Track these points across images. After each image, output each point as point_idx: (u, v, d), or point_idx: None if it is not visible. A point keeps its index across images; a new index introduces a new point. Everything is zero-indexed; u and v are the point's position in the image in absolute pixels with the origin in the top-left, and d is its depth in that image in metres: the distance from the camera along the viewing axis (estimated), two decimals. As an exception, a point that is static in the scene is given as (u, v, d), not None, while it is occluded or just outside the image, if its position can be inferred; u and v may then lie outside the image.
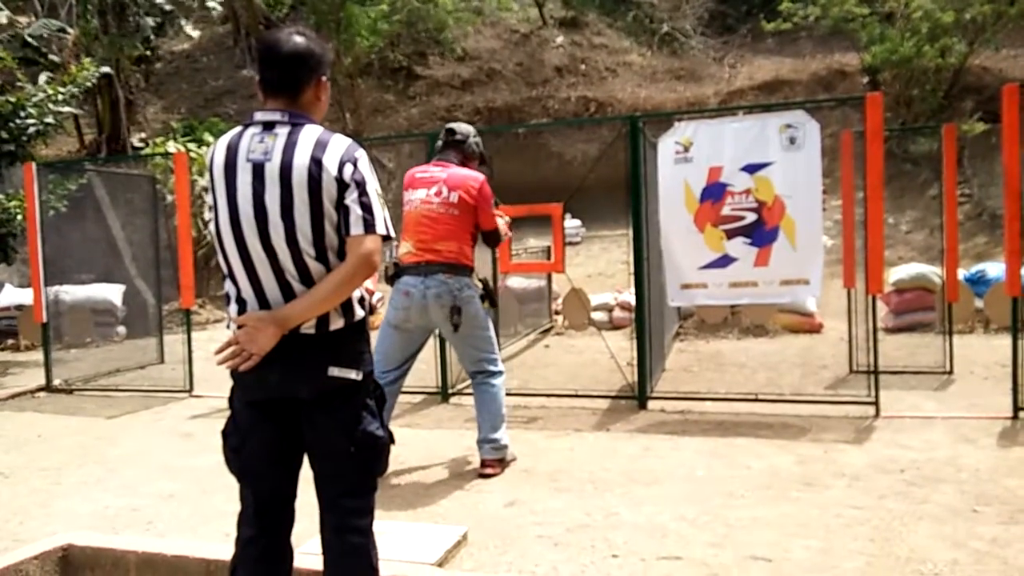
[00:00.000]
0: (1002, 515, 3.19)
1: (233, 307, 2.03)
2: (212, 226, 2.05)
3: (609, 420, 5.01)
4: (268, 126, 1.98)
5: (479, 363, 4.06)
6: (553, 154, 15.82)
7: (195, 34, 15.77)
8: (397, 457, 4.06)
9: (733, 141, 4.94)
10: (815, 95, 14.91)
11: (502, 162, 7.11)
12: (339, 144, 1.97)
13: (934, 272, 7.74)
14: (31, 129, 7.98)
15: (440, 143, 4.18)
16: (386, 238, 1.98)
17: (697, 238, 5.03)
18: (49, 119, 8.15)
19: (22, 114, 7.91)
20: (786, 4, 14.32)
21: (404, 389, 4.27)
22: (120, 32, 13.65)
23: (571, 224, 14.10)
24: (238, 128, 2.04)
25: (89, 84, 8.95)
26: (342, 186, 1.94)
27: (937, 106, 13.44)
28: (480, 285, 4.03)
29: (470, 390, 5.51)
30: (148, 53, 15.00)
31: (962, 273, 7.65)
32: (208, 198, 2.05)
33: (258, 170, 1.95)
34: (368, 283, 2.12)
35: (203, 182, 10.57)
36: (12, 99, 7.93)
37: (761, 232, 4.89)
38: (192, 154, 10.87)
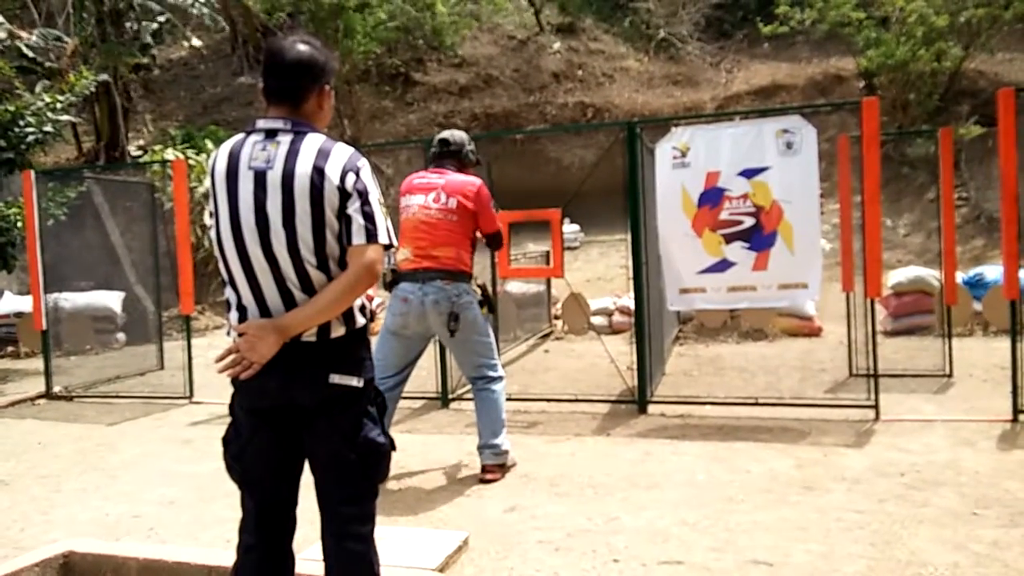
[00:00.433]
0: (1002, 518, 3.19)
1: (234, 314, 2.03)
2: (213, 233, 2.05)
3: (609, 425, 5.02)
4: (270, 134, 1.99)
5: (479, 369, 4.06)
6: (551, 160, 15.86)
7: (197, 43, 15.78)
8: (397, 462, 4.07)
9: (730, 146, 4.95)
10: (812, 100, 14.96)
11: (500, 168, 7.11)
12: (341, 153, 1.97)
13: (932, 275, 7.76)
14: (30, 137, 8.00)
15: (434, 151, 4.16)
16: (388, 247, 1.98)
17: (695, 243, 5.04)
18: (48, 127, 8.17)
19: (21, 122, 7.93)
20: (783, 8, 14.37)
21: (404, 394, 4.27)
22: (118, 40, 13.68)
23: (570, 229, 14.12)
24: (240, 135, 2.04)
25: (87, 92, 8.96)
26: (344, 195, 1.94)
27: (933, 110, 13.49)
28: (479, 291, 4.03)
29: (470, 395, 5.51)
30: (146, 61, 15.03)
31: (960, 276, 7.66)
32: (209, 204, 2.05)
33: (260, 178, 1.95)
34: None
35: (202, 189, 10.58)
36: (11, 108, 7.94)
37: (759, 236, 4.91)
38: (190, 161, 10.88)
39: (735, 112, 12.16)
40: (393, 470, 2.10)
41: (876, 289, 4.80)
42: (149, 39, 14.08)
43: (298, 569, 2.16)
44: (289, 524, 2.12)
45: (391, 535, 3.05)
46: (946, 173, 5.94)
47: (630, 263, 5.42)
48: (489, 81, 17.67)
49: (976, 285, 7.97)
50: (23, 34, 11.94)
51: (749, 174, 4.91)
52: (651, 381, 5.51)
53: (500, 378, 4.11)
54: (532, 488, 3.84)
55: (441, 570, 2.87)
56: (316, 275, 1.96)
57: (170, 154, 11.43)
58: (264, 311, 1.98)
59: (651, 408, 5.30)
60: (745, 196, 4.92)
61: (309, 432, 2.03)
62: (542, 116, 16.61)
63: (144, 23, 14.02)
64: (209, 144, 12.80)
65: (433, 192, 3.97)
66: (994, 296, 7.37)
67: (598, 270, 13.31)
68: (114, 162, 13.62)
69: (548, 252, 8.34)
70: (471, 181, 4.03)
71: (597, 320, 8.90)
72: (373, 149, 12.05)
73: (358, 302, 2.03)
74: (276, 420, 2.03)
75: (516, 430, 4.79)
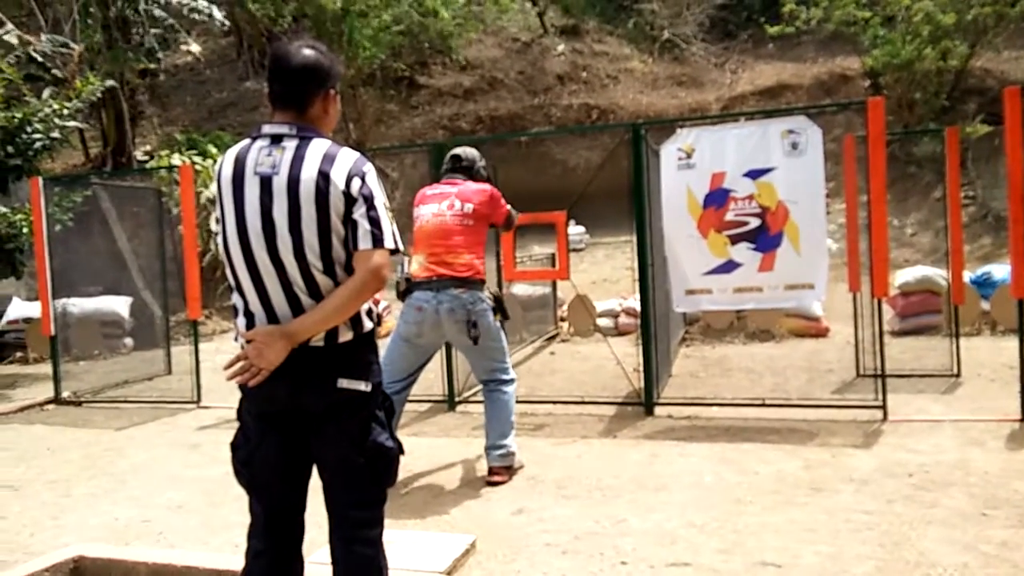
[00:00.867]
0: (1012, 518, 3.18)
1: (241, 320, 2.04)
2: (219, 239, 2.05)
3: (616, 427, 5.01)
4: (276, 139, 1.99)
5: (492, 372, 4.10)
6: (556, 162, 15.86)
7: (196, 49, 15.85)
8: (404, 466, 4.06)
9: (735, 147, 4.95)
10: (817, 99, 14.92)
11: (505, 171, 7.12)
12: (347, 158, 1.97)
13: (940, 274, 7.73)
14: (37, 144, 8.04)
15: (446, 167, 4.22)
16: (394, 251, 1.98)
17: (701, 244, 5.04)
18: (55, 134, 8.21)
19: (28, 129, 7.97)
20: (789, 6, 14.33)
21: (411, 398, 4.30)
22: (124, 46, 13.74)
23: (575, 231, 14.11)
24: (246, 140, 2.05)
25: (94, 98, 9.01)
26: (350, 200, 1.94)
27: (940, 109, 13.44)
28: (492, 298, 4.06)
29: (476, 398, 5.53)
30: (152, 66, 15.09)
31: (968, 275, 7.63)
32: (215, 210, 2.06)
33: (266, 183, 1.95)
34: (374, 293, 2.12)
35: (208, 193, 10.62)
36: (19, 114, 7.99)
37: (765, 237, 4.90)
38: (197, 166, 10.92)
39: (740, 113, 12.15)
40: (400, 473, 2.10)
41: (883, 289, 4.79)
42: (154, 44, 14.14)
43: (306, 573, 2.16)
44: (298, 529, 2.12)
45: (399, 538, 3.05)
46: (952, 172, 5.93)
47: (636, 265, 5.42)
48: (494, 84, 17.69)
49: (984, 284, 7.94)
50: (33, 40, 12.01)
51: (754, 175, 4.90)
52: (658, 383, 5.50)
53: (512, 380, 4.15)
54: (539, 490, 3.84)
55: (449, 573, 2.88)
56: (323, 280, 1.96)
57: (176, 159, 11.48)
58: (271, 317, 1.98)
59: (658, 410, 5.29)
60: (751, 197, 4.91)
61: (317, 437, 2.03)
62: (547, 118, 16.62)
63: (151, 29, 14.08)
64: (214, 149, 12.83)
65: (447, 200, 4.03)
66: (1002, 295, 7.34)
67: (604, 272, 13.30)
68: (121, 167, 13.69)
69: (554, 254, 8.34)
70: (483, 187, 4.11)
71: (603, 322, 8.90)
72: (378, 153, 12.09)
73: (365, 306, 2.03)
74: (284, 425, 2.03)
75: (523, 432, 4.79)
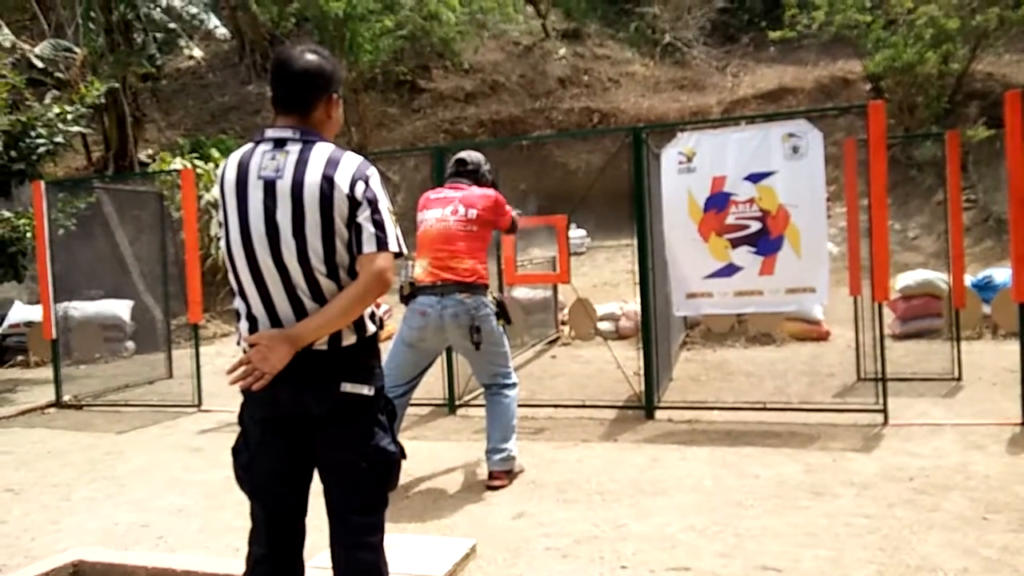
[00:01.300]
0: (1012, 523, 3.18)
1: (244, 324, 2.04)
2: (223, 243, 2.05)
3: (616, 430, 5.01)
4: (279, 143, 2.00)
5: (494, 377, 4.11)
6: (557, 165, 15.88)
7: (198, 53, 15.89)
8: (405, 470, 4.06)
9: (736, 151, 4.95)
10: (818, 103, 14.93)
11: (507, 174, 7.14)
12: (351, 162, 1.98)
13: (941, 278, 7.72)
14: (40, 148, 8.06)
15: (451, 171, 4.22)
16: (398, 255, 1.99)
17: (702, 247, 5.04)
18: (58, 138, 8.23)
19: (32, 133, 7.99)
20: (791, 10, 14.34)
21: (412, 401, 4.30)
22: (126, 51, 13.79)
23: (576, 234, 14.12)
24: (249, 144, 2.05)
25: (97, 103, 9.03)
26: (354, 204, 1.95)
27: (941, 112, 13.44)
28: (495, 302, 4.07)
29: (476, 402, 5.53)
30: (154, 71, 15.14)
31: (969, 279, 7.62)
32: (218, 214, 2.07)
33: (270, 187, 1.96)
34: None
35: (209, 197, 10.65)
36: (22, 119, 8.00)
37: (766, 241, 4.90)
38: (199, 170, 10.94)
39: (741, 116, 12.16)
40: (400, 477, 2.11)
41: (883, 293, 4.79)
42: (155, 50, 14.18)
43: (307, 576, 2.16)
44: (299, 534, 2.12)
45: (399, 543, 3.05)
46: (953, 176, 5.93)
47: (636, 268, 5.42)
48: (495, 87, 17.72)
49: (985, 288, 7.93)
50: (27, 46, 12.05)
51: (755, 178, 4.91)
52: (658, 386, 5.50)
53: (514, 384, 4.15)
54: (539, 494, 3.83)
55: (449, 577, 2.88)
56: (326, 284, 1.96)
57: (178, 163, 11.51)
58: (275, 320, 1.98)
59: (658, 414, 5.29)
60: (751, 200, 4.91)
61: (319, 441, 2.03)
62: (548, 122, 16.64)
63: (152, 33, 14.13)
64: (216, 153, 12.87)
65: (451, 205, 4.03)
66: (1003, 299, 7.33)
67: (604, 275, 13.31)
68: (123, 171, 13.72)
69: (554, 258, 8.34)
70: (486, 192, 4.11)
71: (604, 325, 8.90)
72: (380, 157, 12.10)
73: (368, 310, 2.03)
74: (286, 429, 2.03)
75: (523, 436, 4.79)
